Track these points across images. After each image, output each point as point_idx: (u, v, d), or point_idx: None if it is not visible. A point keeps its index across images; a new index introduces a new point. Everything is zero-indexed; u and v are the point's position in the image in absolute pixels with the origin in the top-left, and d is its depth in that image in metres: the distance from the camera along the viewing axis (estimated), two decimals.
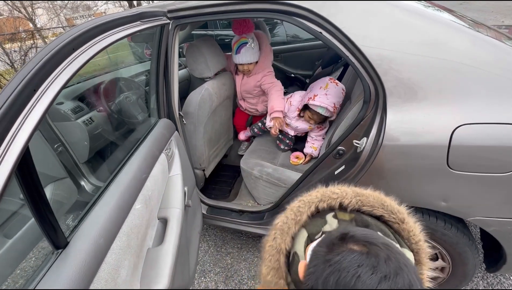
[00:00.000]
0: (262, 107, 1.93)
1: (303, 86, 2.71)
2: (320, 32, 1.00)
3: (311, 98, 1.47)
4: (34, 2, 11.02)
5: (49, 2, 12.21)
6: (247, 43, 1.61)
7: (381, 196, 0.51)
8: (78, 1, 13.93)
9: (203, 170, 1.73)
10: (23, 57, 6.22)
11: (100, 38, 0.68)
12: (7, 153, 0.44)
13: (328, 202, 0.51)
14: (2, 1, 9.95)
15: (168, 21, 1.20)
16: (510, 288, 1.38)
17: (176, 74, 1.34)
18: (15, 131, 0.44)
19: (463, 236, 1.06)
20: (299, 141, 1.83)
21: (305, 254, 0.45)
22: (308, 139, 1.72)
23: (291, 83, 2.81)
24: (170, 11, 1.20)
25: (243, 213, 1.58)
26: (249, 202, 1.70)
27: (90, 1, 14.18)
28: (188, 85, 2.54)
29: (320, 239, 0.44)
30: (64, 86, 0.53)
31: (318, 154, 1.65)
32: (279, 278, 0.48)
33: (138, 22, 0.92)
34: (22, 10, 10.50)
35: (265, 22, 2.23)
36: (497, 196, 0.92)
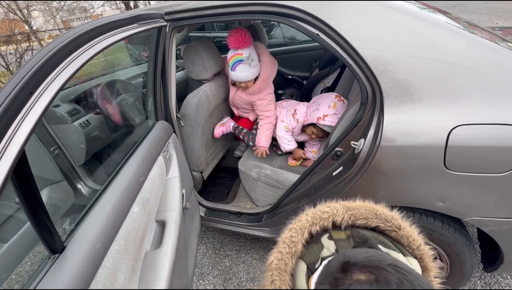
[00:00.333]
0: (254, 116, 1.80)
1: (300, 88, 2.72)
2: (317, 34, 1.00)
3: (320, 117, 1.43)
4: (29, 4, 10.95)
5: (45, 4, 12.16)
6: (242, 60, 1.44)
7: (372, 206, 0.49)
8: (75, 3, 13.88)
9: (201, 172, 1.73)
10: (18, 60, 6.18)
11: (97, 41, 0.67)
12: (3, 156, 0.43)
13: (321, 224, 0.48)
14: None
15: (165, 23, 1.20)
16: (507, 287, 1.38)
17: (174, 76, 1.34)
18: (11, 134, 0.43)
19: (461, 236, 1.07)
20: None
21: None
22: (306, 145, 1.72)
23: (288, 85, 2.82)
24: (167, 13, 1.20)
25: (241, 215, 1.58)
26: (247, 204, 1.70)
27: (87, 3, 14.14)
28: (186, 87, 2.53)
29: (319, 272, 0.40)
30: (60, 89, 0.53)
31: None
32: None
33: (135, 24, 0.91)
34: (18, 12, 10.43)
35: (263, 24, 2.24)
36: (494, 196, 0.93)
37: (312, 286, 0.41)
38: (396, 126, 0.93)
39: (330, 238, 0.46)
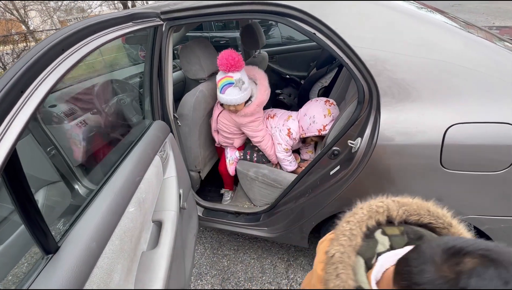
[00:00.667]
0: (239, 142, 1.68)
1: (298, 87, 2.72)
2: (314, 33, 1.00)
3: (321, 129, 1.41)
4: (26, 4, 10.90)
5: (42, 4, 12.10)
6: (232, 83, 1.36)
7: (422, 202, 0.48)
8: (72, 3, 13.82)
9: (199, 172, 1.72)
10: (15, 60, 6.15)
11: (91, 39, 0.67)
12: None
13: (376, 218, 0.46)
14: None
15: (161, 22, 1.20)
16: None
17: (170, 76, 1.34)
18: (1, 133, 0.43)
19: None
20: None
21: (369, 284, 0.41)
22: (301, 147, 1.72)
23: (286, 85, 2.82)
24: (163, 13, 1.19)
25: (239, 215, 1.57)
26: (245, 204, 1.69)
27: (84, 3, 14.09)
28: (183, 87, 2.53)
29: (397, 269, 0.37)
30: (53, 88, 0.52)
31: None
32: None
33: (130, 23, 0.91)
34: (15, 12, 10.38)
35: (260, 24, 2.24)
36: (490, 195, 0.93)
37: (373, 282, 0.39)
38: (393, 125, 0.93)
39: (384, 233, 0.45)
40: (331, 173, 1.15)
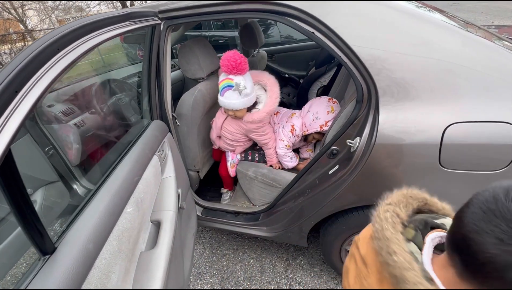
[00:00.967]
0: (241, 149, 1.66)
1: (297, 86, 2.72)
2: (312, 32, 1.00)
3: (323, 125, 1.42)
4: (24, 3, 10.84)
5: (40, 3, 12.04)
6: (232, 86, 1.31)
7: (397, 192, 0.53)
8: (70, 2, 13.76)
9: (198, 172, 1.72)
10: None
11: (87, 38, 0.66)
12: None
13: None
14: None
15: (159, 21, 1.19)
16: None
17: (169, 75, 1.33)
18: None
19: None
20: None
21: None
22: (301, 146, 1.72)
23: (285, 84, 2.81)
24: (161, 12, 1.19)
25: (238, 215, 1.57)
26: (244, 203, 1.69)
27: (82, 3, 14.02)
28: (182, 87, 2.52)
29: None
30: (48, 87, 0.51)
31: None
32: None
33: (127, 22, 0.90)
34: (12, 11, 10.33)
35: (259, 23, 2.23)
36: None
37: (426, 260, 0.41)
38: (392, 124, 0.93)
39: (408, 241, 0.47)
40: (330, 172, 1.15)
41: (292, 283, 1.53)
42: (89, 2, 13.47)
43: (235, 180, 1.80)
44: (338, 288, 1.48)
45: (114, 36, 0.80)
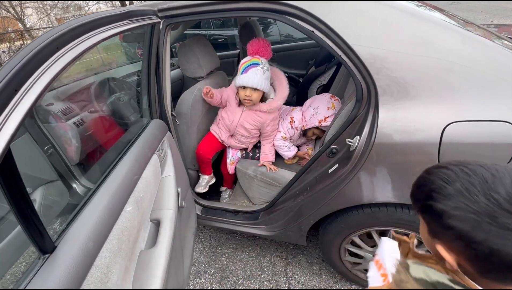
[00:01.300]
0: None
1: (296, 85, 2.71)
2: (312, 31, 1.00)
3: (322, 120, 1.44)
4: (23, 1, 10.79)
5: (38, 1, 11.98)
6: (258, 64, 1.33)
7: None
8: (69, 1, 13.70)
9: (197, 171, 1.72)
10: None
11: (86, 37, 0.66)
12: None
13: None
14: None
15: (159, 20, 1.19)
16: None
17: (168, 74, 1.33)
18: None
19: None
20: None
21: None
22: (302, 143, 1.72)
23: None
24: (160, 10, 1.18)
25: (237, 213, 1.57)
26: (244, 202, 1.69)
27: (81, 1, 13.97)
28: (181, 85, 2.52)
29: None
30: (47, 86, 0.51)
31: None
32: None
33: (127, 21, 0.90)
34: (11, 9, 10.29)
35: (259, 22, 2.23)
36: None
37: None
38: (391, 123, 0.93)
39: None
40: (330, 171, 1.15)
41: (291, 282, 1.54)
42: (87, 0, 13.42)
43: (234, 179, 1.81)
44: (337, 287, 1.48)
45: (114, 35, 0.79)
